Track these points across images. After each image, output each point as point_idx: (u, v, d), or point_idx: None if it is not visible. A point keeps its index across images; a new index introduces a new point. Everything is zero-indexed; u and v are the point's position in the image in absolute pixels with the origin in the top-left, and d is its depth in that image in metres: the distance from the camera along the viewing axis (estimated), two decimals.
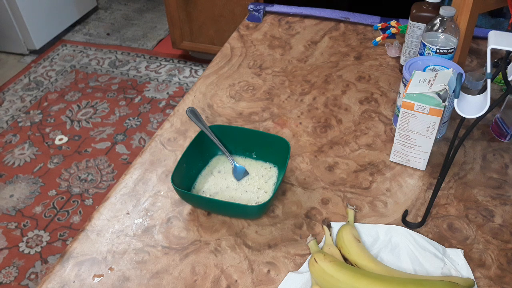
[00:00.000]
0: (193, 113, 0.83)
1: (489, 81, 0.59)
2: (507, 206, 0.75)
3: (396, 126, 0.86)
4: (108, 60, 2.66)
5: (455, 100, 0.63)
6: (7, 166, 1.99)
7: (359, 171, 0.82)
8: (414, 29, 0.98)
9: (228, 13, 2.26)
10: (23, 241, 1.68)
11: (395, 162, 0.83)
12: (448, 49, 0.87)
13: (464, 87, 0.84)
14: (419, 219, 0.73)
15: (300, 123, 0.93)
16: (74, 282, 0.66)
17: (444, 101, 0.71)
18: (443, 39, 0.88)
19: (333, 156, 0.85)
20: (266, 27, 1.25)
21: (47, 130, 2.17)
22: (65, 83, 2.48)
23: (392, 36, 1.18)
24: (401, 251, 0.68)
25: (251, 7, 1.29)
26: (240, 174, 0.80)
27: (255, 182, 0.79)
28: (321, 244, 0.69)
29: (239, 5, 2.21)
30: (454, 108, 0.79)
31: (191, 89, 1.03)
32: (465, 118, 0.62)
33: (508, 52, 0.57)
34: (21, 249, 1.66)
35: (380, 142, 0.88)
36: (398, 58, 1.11)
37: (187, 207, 0.76)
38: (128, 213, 0.75)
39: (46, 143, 2.10)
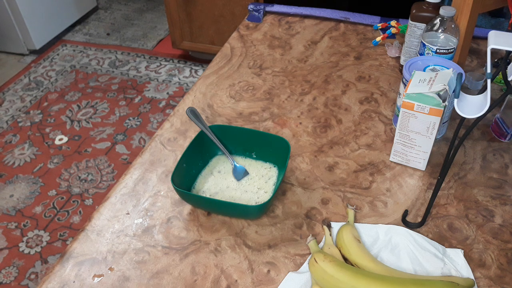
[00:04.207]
0: (193, 113, 0.83)
1: (489, 81, 0.59)
2: (507, 206, 0.75)
3: (396, 126, 0.86)
4: (108, 60, 2.66)
5: (455, 100, 0.63)
6: (7, 166, 1.99)
7: (359, 171, 0.82)
8: (414, 29, 0.98)
9: (228, 13, 2.26)
10: (23, 241, 1.68)
11: (395, 162, 0.83)
12: (448, 49, 0.87)
13: (464, 87, 0.84)
14: (419, 219, 0.73)
15: (300, 123, 0.93)
16: (74, 282, 0.66)
17: (444, 101, 0.71)
18: (443, 39, 0.88)
19: (333, 156, 0.85)
20: (266, 27, 1.25)
21: (47, 130, 2.17)
22: (65, 83, 2.48)
23: (392, 36, 1.18)
24: (401, 251, 0.68)
25: (251, 7, 1.29)
26: (240, 174, 0.80)
27: (255, 182, 0.79)
28: (321, 244, 0.69)
29: (239, 5, 2.21)
30: (454, 108, 0.79)
31: (191, 89, 1.03)
32: (465, 118, 0.62)
33: (508, 52, 0.57)
34: (21, 249, 1.66)
35: (380, 142, 0.88)
36: (398, 58, 1.11)
37: (187, 207, 0.76)
38: (128, 213, 0.76)
39: (46, 143, 2.10)
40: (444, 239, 0.70)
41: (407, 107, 0.74)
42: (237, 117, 0.95)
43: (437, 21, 0.88)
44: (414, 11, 0.97)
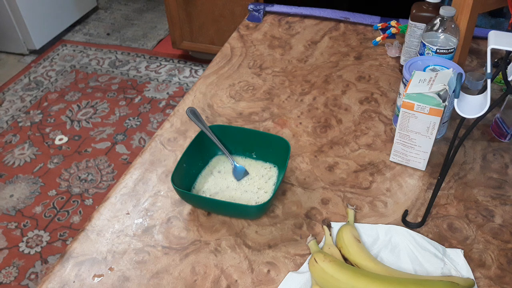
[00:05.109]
0: (193, 113, 0.83)
1: (489, 81, 0.59)
2: (507, 206, 0.75)
3: (396, 126, 0.86)
4: (108, 60, 2.66)
5: (455, 100, 0.63)
6: (7, 166, 1.99)
7: (359, 171, 0.82)
8: (414, 29, 0.98)
9: (228, 13, 2.26)
10: (23, 241, 1.68)
11: (395, 162, 0.83)
12: (448, 49, 0.87)
13: (464, 87, 0.84)
14: (419, 219, 0.73)
15: (300, 123, 0.93)
16: (74, 282, 0.66)
17: (444, 101, 0.71)
18: (443, 39, 0.88)
19: (333, 156, 0.85)
20: (266, 27, 1.25)
21: (47, 130, 2.17)
22: (65, 83, 2.48)
23: (392, 36, 1.18)
24: (401, 251, 0.68)
25: (251, 7, 1.29)
26: (240, 174, 0.80)
27: (255, 182, 0.79)
28: (321, 244, 0.69)
29: (239, 5, 2.21)
30: (454, 108, 0.79)
31: (191, 89, 1.03)
32: (465, 118, 0.62)
33: (508, 52, 0.57)
34: (21, 249, 1.66)
35: (380, 142, 0.88)
36: (398, 58, 1.11)
37: (187, 207, 0.76)
38: (128, 213, 0.76)
39: (46, 143, 2.10)
40: (444, 239, 0.70)
41: (407, 107, 0.74)
42: (237, 117, 0.95)
43: (437, 21, 0.88)
44: (414, 11, 0.97)
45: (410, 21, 0.98)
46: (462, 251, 0.68)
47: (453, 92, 0.65)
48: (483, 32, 1.16)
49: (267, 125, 0.93)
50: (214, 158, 0.83)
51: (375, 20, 1.24)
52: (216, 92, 1.02)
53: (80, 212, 1.79)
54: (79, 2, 2.94)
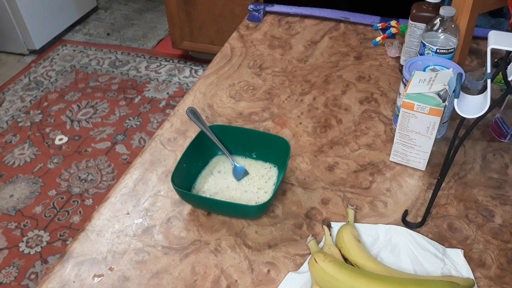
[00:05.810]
0: (193, 113, 0.83)
1: (489, 81, 0.59)
2: (507, 206, 0.75)
3: (396, 126, 0.86)
4: (108, 60, 2.66)
5: (455, 100, 0.63)
6: (7, 166, 1.99)
7: (359, 171, 0.82)
8: (414, 29, 0.98)
9: (228, 13, 2.26)
10: (23, 241, 1.68)
11: (395, 162, 0.83)
12: (448, 49, 0.87)
13: (464, 87, 0.84)
14: (419, 219, 0.73)
15: (300, 123, 0.93)
16: (74, 282, 0.66)
17: (444, 101, 0.71)
18: (443, 39, 0.88)
19: (333, 156, 0.85)
20: (266, 27, 1.25)
21: (47, 130, 2.17)
22: (65, 83, 2.48)
23: (392, 36, 1.18)
24: (401, 251, 0.68)
25: (251, 7, 1.29)
26: (240, 174, 0.80)
27: (255, 182, 0.79)
28: (321, 244, 0.69)
29: (239, 5, 2.21)
30: (454, 108, 0.79)
31: (191, 89, 1.03)
32: (465, 118, 0.62)
33: (508, 52, 0.57)
34: (21, 249, 1.66)
35: (380, 142, 0.88)
36: (398, 58, 1.11)
37: (187, 207, 0.76)
38: (128, 213, 0.76)
39: (46, 143, 2.10)
40: (444, 239, 0.70)
41: (407, 107, 0.74)
42: (237, 117, 0.95)
43: (437, 21, 0.88)
44: (414, 11, 0.97)
45: (410, 21, 0.98)
46: (462, 251, 0.68)
47: (453, 92, 0.65)
48: (483, 32, 1.16)
49: (267, 125, 0.93)
50: (214, 158, 0.83)
51: (375, 20, 1.24)
52: (216, 92, 1.02)
53: (80, 212, 1.79)
54: (79, 2, 2.94)
